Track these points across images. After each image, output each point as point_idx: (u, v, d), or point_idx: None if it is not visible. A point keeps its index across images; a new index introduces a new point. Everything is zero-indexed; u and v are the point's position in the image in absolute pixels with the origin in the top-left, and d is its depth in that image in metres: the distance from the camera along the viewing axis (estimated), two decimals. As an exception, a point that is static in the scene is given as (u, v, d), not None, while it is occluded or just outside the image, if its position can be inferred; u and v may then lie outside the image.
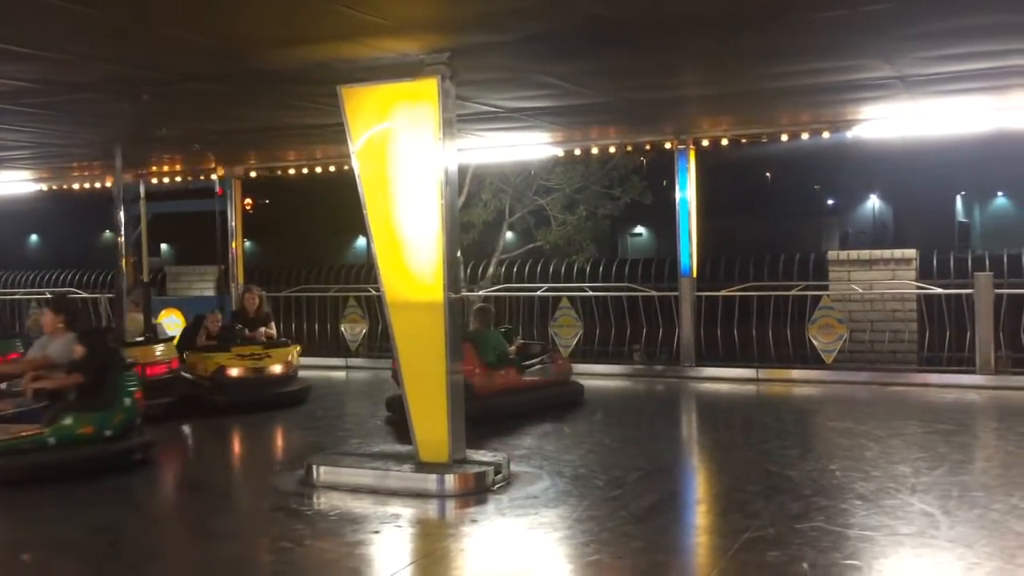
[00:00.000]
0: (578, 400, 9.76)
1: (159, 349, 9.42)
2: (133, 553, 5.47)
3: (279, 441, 9.03)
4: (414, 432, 6.56)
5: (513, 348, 9.65)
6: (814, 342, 11.16)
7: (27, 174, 14.25)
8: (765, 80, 8.10)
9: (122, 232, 14.51)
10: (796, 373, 11.11)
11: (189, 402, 9.59)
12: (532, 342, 10.44)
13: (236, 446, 8.84)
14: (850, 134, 10.67)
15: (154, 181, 14.16)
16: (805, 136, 10.91)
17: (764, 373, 11.17)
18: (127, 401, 7.19)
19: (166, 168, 13.87)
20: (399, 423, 8.55)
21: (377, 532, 5.53)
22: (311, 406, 10.14)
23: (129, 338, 9.33)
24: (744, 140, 11.22)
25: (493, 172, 15.48)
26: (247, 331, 10.59)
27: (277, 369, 10.04)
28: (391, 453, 6.87)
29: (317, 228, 33.28)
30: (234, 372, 9.85)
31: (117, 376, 7.23)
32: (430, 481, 6.27)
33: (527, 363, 9.50)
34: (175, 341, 10.58)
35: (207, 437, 9.05)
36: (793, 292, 11.65)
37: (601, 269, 13.74)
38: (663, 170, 16.04)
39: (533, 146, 11.90)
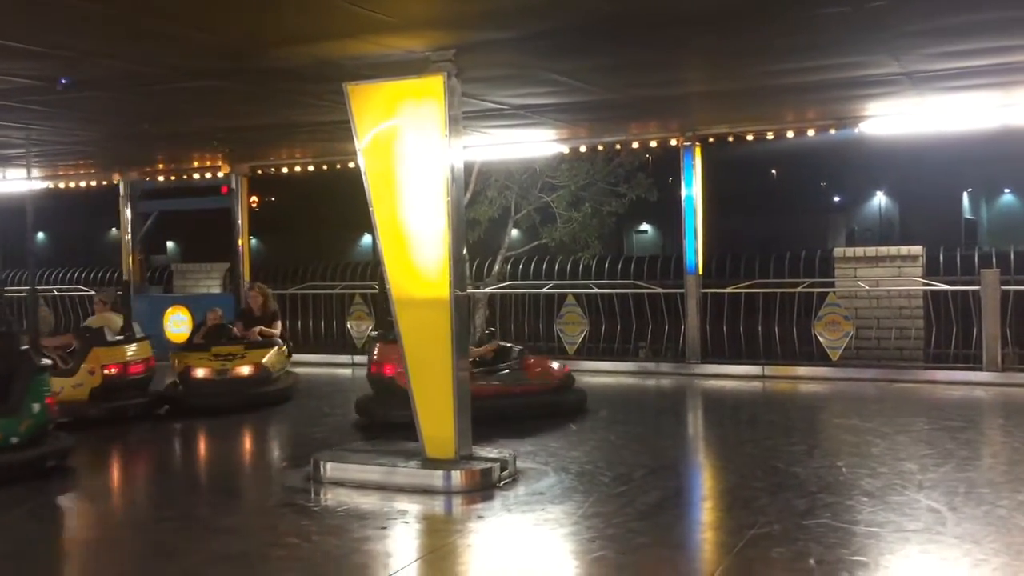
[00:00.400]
0: (565, 411, 8.78)
1: (132, 349, 9.31)
2: (134, 549, 5.49)
3: (278, 439, 9.03)
4: (420, 429, 6.57)
5: (483, 350, 9.03)
6: (820, 339, 11.15)
7: (33, 172, 14.28)
8: (769, 77, 8.10)
9: (128, 229, 14.63)
10: (802, 370, 11.10)
11: (170, 402, 9.61)
12: (512, 346, 9.47)
13: (232, 446, 8.83)
14: (856, 130, 10.66)
15: (160, 179, 14.23)
16: (811, 132, 10.90)
17: (770, 370, 11.16)
18: (35, 407, 6.84)
19: (172, 165, 13.91)
20: (368, 427, 8.42)
21: (384, 528, 5.54)
22: (316, 403, 10.17)
23: (110, 336, 9.30)
24: (750, 137, 11.20)
25: (499, 169, 15.45)
26: (236, 330, 10.53)
27: (245, 371, 9.81)
28: (398, 449, 6.88)
29: (322, 225, 33.32)
30: (199, 373, 9.71)
31: (26, 381, 6.87)
32: (436, 477, 6.28)
33: (491, 369, 8.81)
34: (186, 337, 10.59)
35: (196, 436, 9.00)
36: (799, 289, 11.64)
37: (607, 266, 13.75)
38: (668, 167, 16.01)
39: (539, 143, 11.90)
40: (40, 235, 39.47)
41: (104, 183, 14.86)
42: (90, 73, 7.29)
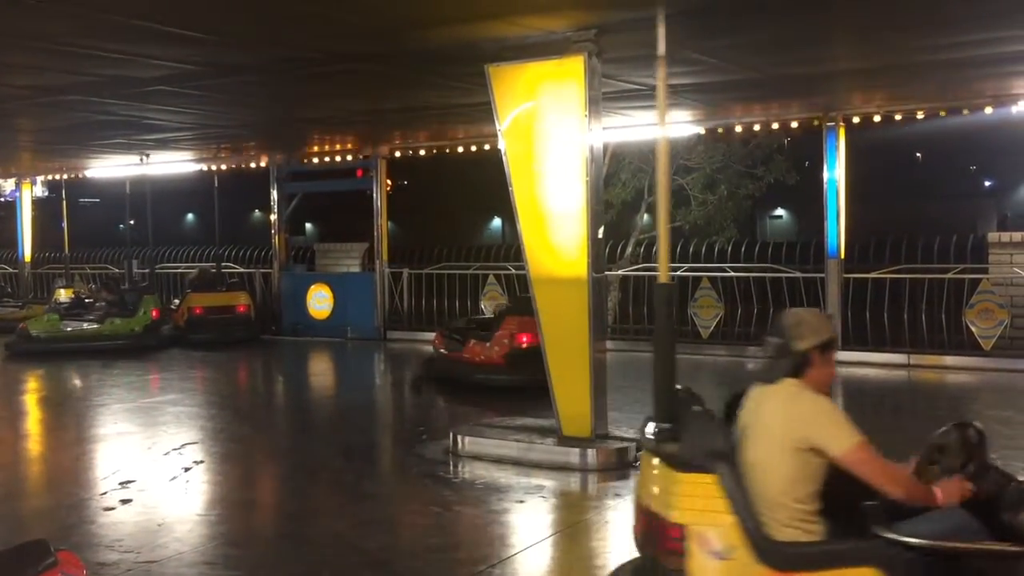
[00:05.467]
0: None
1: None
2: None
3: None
4: (557, 407, 6.63)
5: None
6: (972, 327, 10.63)
7: (186, 155, 15.06)
8: (926, 52, 7.74)
9: (275, 210, 15.23)
10: (951, 359, 10.61)
11: None
12: None
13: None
14: (1015, 109, 10.09)
15: (304, 161, 14.77)
16: (965, 112, 10.38)
17: (916, 359, 10.71)
18: None
19: (315, 149, 14.40)
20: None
21: (522, 502, 5.63)
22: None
23: None
24: (898, 116, 10.75)
25: (632, 151, 15.36)
26: None
27: None
28: (534, 426, 6.97)
29: (453, 210, 33.79)
30: None
31: None
32: (573, 455, 6.35)
33: None
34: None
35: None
36: (950, 275, 11.13)
37: (743, 251, 13.47)
38: (804, 150, 15.54)
39: (675, 124, 11.73)
40: (190, 216, 41.54)
41: (252, 165, 15.53)
42: (244, 59, 7.62)
